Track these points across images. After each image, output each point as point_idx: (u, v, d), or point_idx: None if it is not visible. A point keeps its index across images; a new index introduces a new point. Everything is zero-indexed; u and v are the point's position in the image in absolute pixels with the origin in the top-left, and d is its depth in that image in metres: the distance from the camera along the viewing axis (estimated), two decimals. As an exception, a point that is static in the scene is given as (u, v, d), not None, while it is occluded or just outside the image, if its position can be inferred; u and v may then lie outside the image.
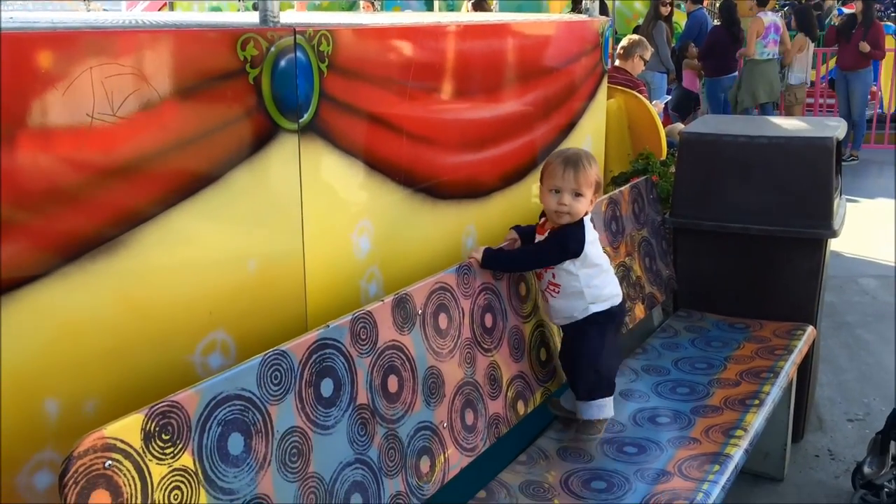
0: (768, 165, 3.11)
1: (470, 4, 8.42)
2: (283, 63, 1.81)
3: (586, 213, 2.22)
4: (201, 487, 1.39)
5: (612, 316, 2.30)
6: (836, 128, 3.24)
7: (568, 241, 2.19)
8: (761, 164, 3.12)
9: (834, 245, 5.82)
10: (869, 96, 8.99)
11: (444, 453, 1.96)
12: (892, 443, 2.70)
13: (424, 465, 1.89)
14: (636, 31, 9.18)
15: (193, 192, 1.67)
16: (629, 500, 2.06)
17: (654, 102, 5.78)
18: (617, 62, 5.94)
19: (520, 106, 2.90)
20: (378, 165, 2.17)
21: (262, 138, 1.81)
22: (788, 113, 9.19)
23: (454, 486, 2.01)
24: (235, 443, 1.47)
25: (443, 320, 2.03)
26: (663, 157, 4.59)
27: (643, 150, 4.49)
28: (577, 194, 2.19)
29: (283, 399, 1.58)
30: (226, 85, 1.72)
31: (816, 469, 3.14)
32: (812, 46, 9.11)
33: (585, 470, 2.21)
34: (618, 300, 2.32)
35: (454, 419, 2.01)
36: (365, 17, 3.27)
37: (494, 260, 2.21)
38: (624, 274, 2.99)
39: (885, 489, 2.86)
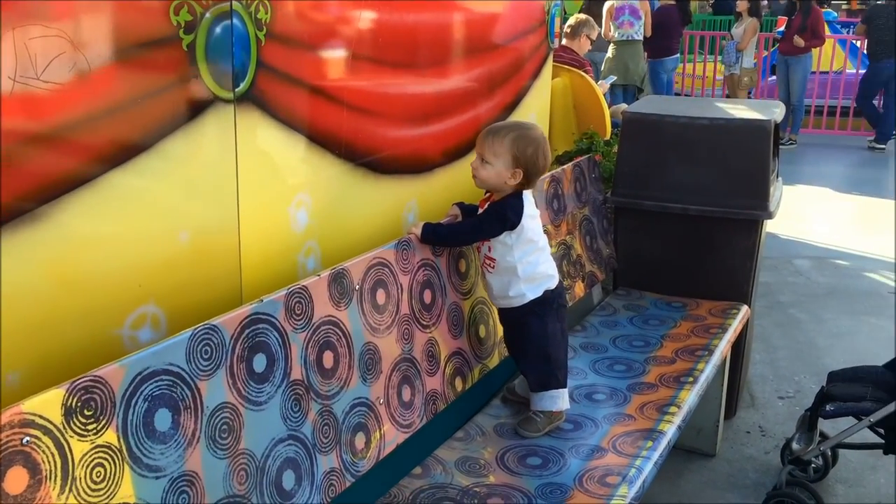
0: (708, 146, 3.15)
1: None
2: (218, 30, 1.75)
3: (518, 188, 2.20)
4: (125, 464, 1.35)
5: (549, 302, 2.27)
6: (774, 111, 3.29)
7: (506, 211, 2.17)
8: (702, 145, 3.16)
9: (770, 226, 5.97)
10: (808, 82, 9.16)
11: (380, 429, 1.95)
12: (820, 420, 2.77)
13: (360, 441, 1.88)
14: (583, 10, 9.22)
15: (123, 161, 1.61)
16: (563, 475, 2.08)
17: (599, 82, 5.82)
18: (564, 41, 5.96)
19: (464, 81, 2.88)
20: (318, 138, 2.13)
21: (197, 107, 1.76)
22: (735, 95, 9.34)
23: (390, 462, 2.00)
24: (163, 419, 1.43)
25: (381, 296, 2.01)
26: (607, 137, 4.62)
27: (588, 130, 4.51)
28: (484, 160, 2.18)
29: (214, 374, 1.54)
30: (158, 51, 1.66)
31: (747, 445, 3.22)
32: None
33: (521, 447, 2.22)
34: (553, 282, 2.29)
35: (391, 395, 2.00)
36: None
37: (434, 234, 2.20)
38: (565, 252, 3.01)
39: (812, 465, 2.95)
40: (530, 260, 2.23)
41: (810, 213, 6.55)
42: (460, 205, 2.39)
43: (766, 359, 3.94)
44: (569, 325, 3.01)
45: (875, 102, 9.11)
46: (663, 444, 2.24)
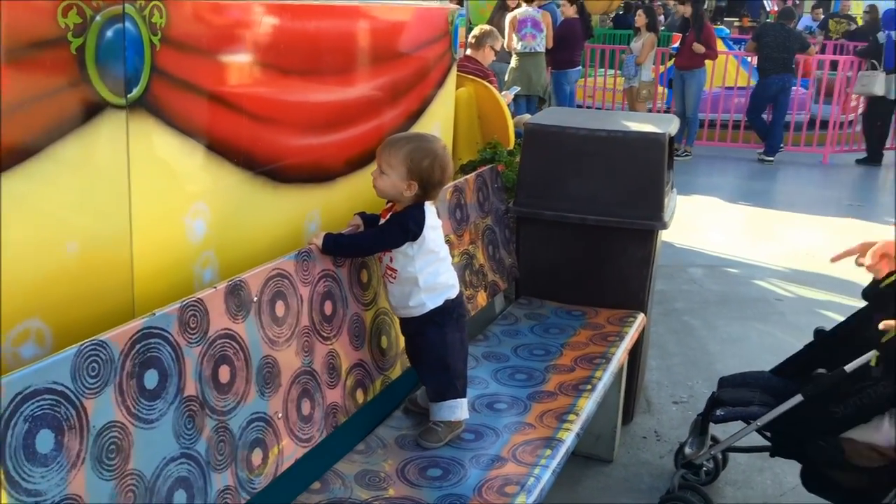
0: (606, 158, 3.23)
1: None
2: (109, 34, 1.69)
3: (417, 199, 2.21)
4: (2, 490, 1.28)
5: (449, 312, 2.27)
6: (669, 124, 3.41)
7: (408, 222, 2.18)
8: (600, 157, 3.24)
9: (666, 235, 6.16)
10: (703, 95, 9.51)
11: (279, 444, 1.91)
12: (711, 424, 2.87)
13: (256, 457, 1.84)
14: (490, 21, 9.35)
15: (5, 168, 1.54)
16: (463, 486, 2.09)
17: (503, 93, 5.89)
18: (468, 51, 6.02)
19: (368, 90, 2.87)
20: (216, 146, 2.08)
21: (87, 113, 1.69)
22: (634, 108, 9.62)
23: (289, 478, 1.97)
24: (45, 440, 1.37)
25: (280, 308, 1.98)
26: (511, 147, 4.68)
27: (491, 139, 4.56)
28: (382, 171, 2.20)
29: (101, 392, 1.48)
30: (44, 54, 1.58)
31: (643, 450, 3.31)
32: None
33: (422, 458, 2.22)
34: (454, 292, 2.31)
35: (290, 409, 1.97)
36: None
37: (335, 245, 2.18)
38: (467, 262, 3.03)
39: (704, 468, 3.06)
40: (431, 270, 2.24)
41: (704, 222, 6.81)
42: (362, 215, 2.38)
43: (662, 365, 4.07)
44: (471, 334, 3.04)
45: (764, 116, 9.53)
46: (562, 451, 2.28)
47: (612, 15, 16.71)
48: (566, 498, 2.95)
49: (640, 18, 9.46)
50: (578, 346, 2.99)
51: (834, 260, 2.48)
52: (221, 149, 2.10)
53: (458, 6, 3.64)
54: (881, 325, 2.11)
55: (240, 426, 1.80)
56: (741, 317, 4.73)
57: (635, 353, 3.31)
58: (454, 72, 3.61)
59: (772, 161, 9.40)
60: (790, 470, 2.82)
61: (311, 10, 2.46)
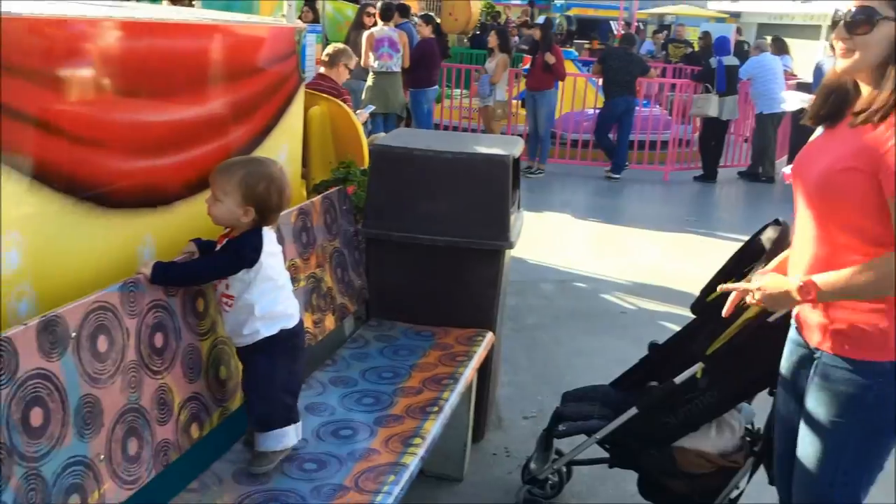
0: (453, 179, 3.26)
1: (167, -1, 8.02)
2: None
3: (255, 225, 2.15)
4: None
5: (282, 341, 2.21)
6: (514, 146, 3.48)
7: (244, 248, 2.12)
8: (447, 178, 3.27)
9: (519, 252, 6.29)
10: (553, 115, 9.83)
11: (100, 489, 1.80)
12: (556, 439, 2.95)
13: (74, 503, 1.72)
14: (347, 39, 9.34)
15: None
16: (304, 519, 2.04)
17: (358, 111, 5.88)
18: (322, 70, 5.97)
19: (208, 110, 2.77)
20: (33, 170, 1.95)
21: None
22: (489, 127, 9.83)
23: (115, 522, 1.85)
24: None
25: (102, 343, 1.87)
26: (365, 166, 4.67)
27: (345, 159, 4.53)
28: (216, 197, 2.15)
29: None
30: None
31: (494, 467, 3.35)
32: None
33: (261, 492, 2.15)
34: (291, 322, 2.25)
35: (114, 450, 1.86)
36: (28, 5, 2.93)
37: (164, 274, 2.08)
38: (315, 285, 2.98)
39: (549, 482, 3.13)
40: (269, 299, 2.18)
41: (555, 238, 7.02)
42: (197, 241, 2.29)
43: (514, 380, 4.15)
44: (319, 359, 3.00)
45: (611, 136, 9.96)
46: (405, 477, 2.26)
47: (469, 35, 17.09)
48: (417, 520, 2.94)
49: (493, 39, 9.68)
50: (427, 367, 2.99)
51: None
52: (39, 173, 1.97)
53: (307, 24, 3.59)
54: (724, 313, 2.22)
55: (54, 472, 1.67)
56: (589, 330, 4.89)
57: (485, 372, 3.35)
58: (302, 91, 3.55)
59: (618, 178, 9.83)
60: (631, 479, 2.93)
61: (141, 27, 2.35)
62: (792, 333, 2.19)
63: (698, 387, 2.60)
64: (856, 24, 1.87)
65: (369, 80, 8.88)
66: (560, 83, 9.82)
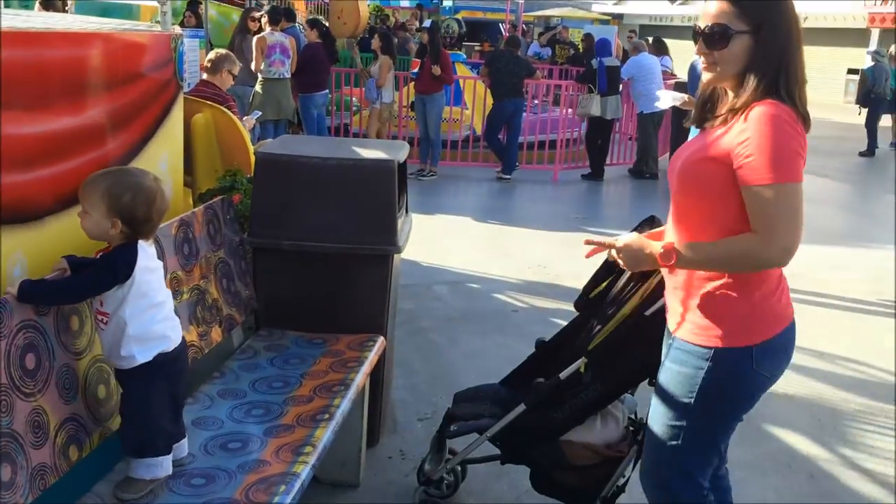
0: (339, 186, 3.26)
1: (38, 3, 7.70)
2: None
3: (128, 238, 2.11)
4: None
5: (159, 367, 2.13)
6: (399, 150, 3.51)
7: (115, 262, 2.06)
8: (333, 185, 3.26)
9: (412, 255, 6.32)
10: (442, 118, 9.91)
11: (-29, 519, 1.72)
12: (448, 439, 2.99)
13: (-58, 538, 1.64)
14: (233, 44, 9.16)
15: None
16: (191, 536, 2.00)
17: (244, 118, 5.79)
18: (205, 76, 5.85)
19: (80, 121, 2.67)
20: None
21: None
22: (380, 131, 9.84)
23: (-12, 554, 1.78)
24: None
25: (-33, 367, 1.79)
26: (251, 174, 4.60)
27: (231, 167, 4.45)
28: (85, 210, 2.11)
29: None
30: None
31: (389, 470, 3.37)
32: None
33: (147, 511, 2.10)
34: (169, 345, 2.17)
35: (-15, 478, 1.78)
36: None
37: (31, 292, 2.01)
38: (199, 297, 2.93)
39: (445, 481, 3.17)
40: (145, 318, 2.11)
41: (448, 240, 7.09)
42: (70, 258, 2.21)
43: (407, 384, 4.17)
44: (207, 372, 2.95)
45: (500, 137, 10.13)
46: (296, 486, 2.25)
47: (358, 39, 17.03)
48: (313, 529, 2.93)
49: (376, 42, 9.71)
50: (318, 374, 2.98)
51: (588, 256, 2.52)
52: None
53: (190, 29, 3.51)
54: (584, 255, 2.40)
55: (-83, 506, 1.60)
56: (482, 331, 4.97)
57: (377, 376, 3.37)
58: (181, 99, 3.47)
59: (509, 179, 10.01)
60: (525, 474, 2.99)
61: (8, 36, 2.25)
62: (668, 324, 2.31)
63: (582, 381, 2.69)
64: (713, 41, 2.00)
65: (259, 86, 8.76)
66: (450, 87, 9.93)
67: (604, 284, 2.84)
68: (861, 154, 14.01)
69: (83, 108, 2.67)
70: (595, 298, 2.85)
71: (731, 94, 2.07)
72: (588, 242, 2.35)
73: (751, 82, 1.98)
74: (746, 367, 2.06)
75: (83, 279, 2.09)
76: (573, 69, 13.65)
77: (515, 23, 19.64)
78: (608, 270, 2.84)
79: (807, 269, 6.70)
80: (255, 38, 8.82)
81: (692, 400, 2.11)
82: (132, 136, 3.02)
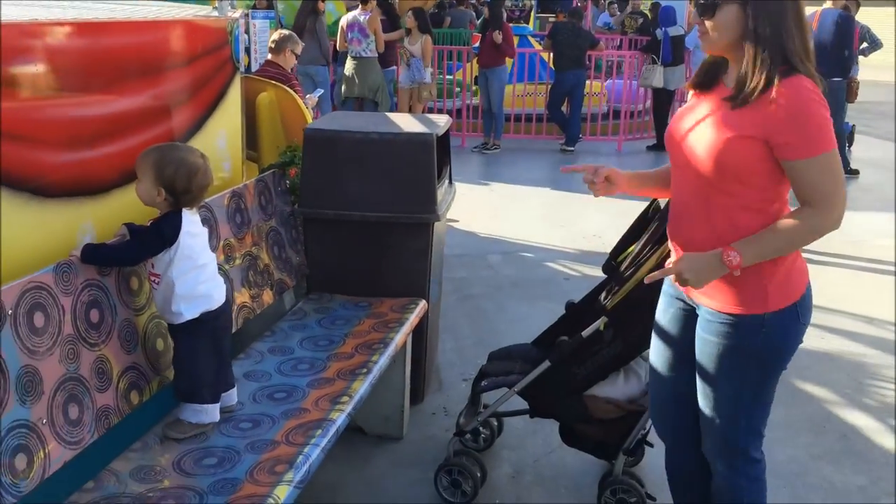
0: (380, 159, 3.46)
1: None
2: None
3: (173, 207, 2.35)
4: None
5: (203, 323, 2.38)
6: (437, 125, 3.69)
7: (162, 228, 2.31)
8: (374, 158, 3.47)
9: (469, 226, 6.52)
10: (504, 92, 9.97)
11: (44, 449, 2.00)
12: (481, 394, 3.18)
13: (20, 462, 1.92)
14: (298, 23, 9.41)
15: None
16: (236, 471, 2.25)
17: (307, 96, 6.04)
18: (269, 56, 6.12)
19: (140, 102, 2.94)
20: (-33, 165, 2.12)
21: None
22: (414, 108, 9.72)
23: (60, 478, 2.06)
24: None
25: (39, 319, 2.06)
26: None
27: (293, 143, 4.71)
28: (139, 179, 2.37)
29: None
30: None
31: (432, 426, 3.59)
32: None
33: (200, 449, 2.36)
34: (212, 304, 2.41)
35: (55, 415, 2.06)
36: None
37: (93, 255, 2.28)
38: (251, 263, 3.18)
39: (482, 435, 3.37)
40: (189, 278, 2.35)
41: (506, 212, 7.25)
42: (130, 225, 2.47)
43: (455, 347, 4.38)
44: (259, 332, 3.21)
45: (564, 109, 10.18)
46: (332, 431, 2.48)
47: (428, 14, 17.16)
48: (356, 477, 3.18)
49: (410, 20, 9.34)
50: (361, 334, 3.21)
51: (563, 170, 2.65)
52: (-26, 169, 2.14)
53: (234, 16, 3.74)
54: (645, 280, 2.36)
55: (-1, 434, 1.88)
56: (530, 297, 5.13)
57: (420, 338, 3.58)
58: (237, 80, 3.72)
59: (572, 151, 10.06)
60: (557, 432, 3.16)
61: (71, 27, 2.52)
62: (668, 287, 2.42)
63: (604, 339, 2.84)
64: (703, 9, 2.09)
65: (346, 65, 8.98)
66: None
67: (630, 249, 2.97)
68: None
69: (145, 90, 2.93)
70: (621, 262, 2.98)
71: (732, 65, 2.14)
72: (651, 279, 2.30)
73: (750, 53, 2.02)
74: (795, 323, 2.18)
75: (134, 244, 2.36)
76: (642, 39, 13.50)
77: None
78: (634, 234, 2.97)
79: (869, 236, 6.62)
80: (342, 20, 8.99)
81: (749, 366, 2.20)
82: (191, 114, 3.28)
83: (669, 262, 2.27)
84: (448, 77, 10.99)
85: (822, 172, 2.01)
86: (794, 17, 2.05)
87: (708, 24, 2.09)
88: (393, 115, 4.11)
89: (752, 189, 2.09)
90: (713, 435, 2.36)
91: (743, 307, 2.16)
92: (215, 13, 3.81)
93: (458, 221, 6.68)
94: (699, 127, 2.18)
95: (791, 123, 1.99)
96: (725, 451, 2.36)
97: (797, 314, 2.17)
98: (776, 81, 2.00)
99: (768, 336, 2.17)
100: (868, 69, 10.29)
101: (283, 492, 2.15)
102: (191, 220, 2.38)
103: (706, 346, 2.26)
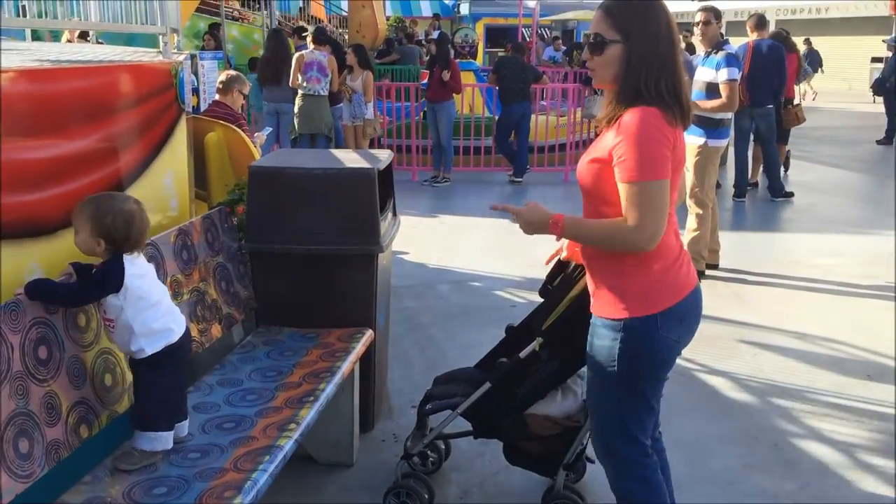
0: (323, 193, 3.58)
1: (66, 34, 8.21)
2: None
3: (113, 254, 2.43)
4: None
5: (167, 356, 2.47)
6: (379, 160, 3.82)
7: (105, 278, 2.39)
8: (318, 192, 3.59)
9: (419, 258, 6.63)
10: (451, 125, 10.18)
11: (-6, 482, 2.06)
12: (427, 417, 3.28)
13: (-29, 495, 1.98)
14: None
15: None
16: (185, 497, 2.32)
17: (255, 135, 6.15)
18: (217, 96, 6.23)
19: (85, 145, 3.02)
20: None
21: None
22: (359, 144, 9.81)
23: (12, 512, 2.12)
24: None
25: (-12, 356, 2.13)
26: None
27: (240, 181, 4.81)
28: (76, 231, 2.45)
29: None
30: None
31: (382, 452, 3.67)
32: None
33: (150, 479, 2.43)
34: (173, 336, 2.50)
35: (6, 449, 2.12)
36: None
37: (36, 291, 2.35)
38: (198, 298, 3.26)
39: (430, 458, 3.47)
40: (145, 317, 2.44)
41: (456, 243, 7.40)
42: (75, 265, 2.54)
43: (405, 374, 4.48)
44: (208, 364, 3.28)
45: (511, 142, 10.41)
46: (279, 456, 2.56)
47: (377, 51, 17.44)
48: (310, 503, 3.24)
49: (351, 57, 9.44)
50: (308, 364, 3.30)
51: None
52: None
53: (179, 59, 3.85)
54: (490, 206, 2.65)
55: (-51, 468, 1.94)
56: (479, 324, 5.26)
57: (368, 366, 3.68)
58: (183, 121, 3.82)
59: (521, 182, 10.28)
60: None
61: (19, 74, 2.61)
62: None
63: (541, 359, 2.97)
64: (592, 48, 2.29)
65: (297, 102, 9.10)
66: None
67: (563, 273, 3.12)
68: (878, 142, 14.03)
69: (92, 133, 3.02)
70: (555, 286, 3.13)
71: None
72: (494, 208, 2.66)
73: (620, 87, 2.27)
74: (654, 333, 2.34)
75: (79, 289, 2.43)
76: (586, 72, 13.87)
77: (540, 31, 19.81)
78: (566, 262, 3.12)
79: (804, 255, 6.90)
80: (296, 56, 9.14)
81: (615, 368, 2.38)
82: (138, 155, 3.37)
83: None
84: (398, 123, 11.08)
85: (636, 197, 2.22)
86: (668, 51, 2.27)
87: (596, 60, 2.29)
88: (336, 151, 4.25)
89: (613, 207, 2.30)
90: (594, 434, 2.60)
91: (608, 311, 2.39)
92: (160, 56, 3.93)
93: (408, 253, 6.81)
94: (585, 154, 2.45)
95: (619, 148, 2.23)
96: (606, 452, 2.55)
97: (657, 324, 2.35)
98: (625, 109, 2.24)
99: (626, 340, 2.36)
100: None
101: (231, 515, 2.23)
102: (133, 263, 2.45)
103: (588, 347, 2.50)
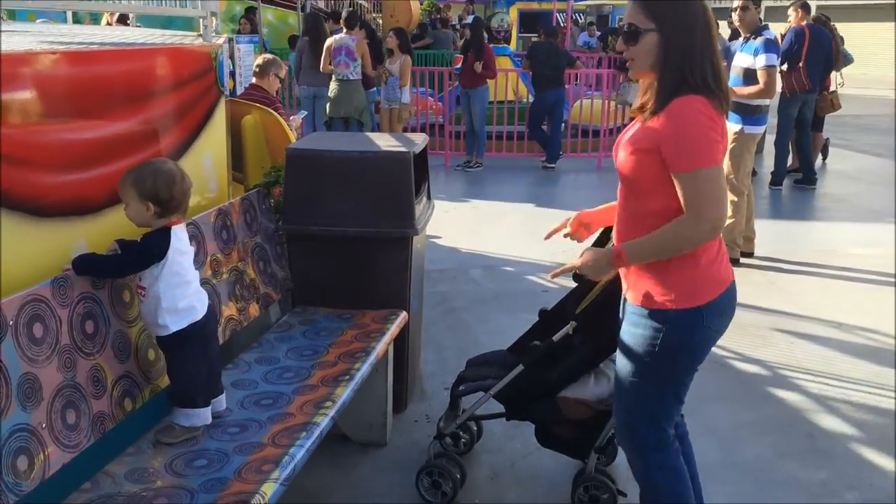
0: (359, 176, 3.62)
1: (107, 16, 8.32)
2: None
3: (166, 223, 2.49)
4: None
5: (191, 335, 2.51)
6: (415, 144, 3.85)
7: (151, 245, 2.45)
8: (354, 176, 3.62)
9: (452, 242, 6.66)
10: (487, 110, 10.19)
11: (44, 451, 2.13)
12: (459, 399, 3.32)
13: (22, 464, 2.05)
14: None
15: None
16: (225, 471, 2.38)
17: (291, 117, 6.21)
18: (254, 80, 6.29)
19: (128, 127, 3.09)
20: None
21: None
22: (394, 128, 9.79)
23: (59, 480, 2.19)
24: None
25: (38, 329, 2.20)
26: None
27: (277, 163, 4.87)
28: (125, 203, 2.50)
29: None
30: None
31: (415, 432, 3.72)
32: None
33: (190, 452, 2.49)
34: (198, 315, 2.54)
35: (54, 419, 2.19)
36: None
37: (82, 265, 2.41)
38: (237, 277, 3.32)
39: (462, 439, 3.51)
40: (174, 293, 2.49)
41: (488, 228, 7.42)
42: (120, 241, 2.60)
43: (437, 357, 4.52)
44: (246, 343, 3.34)
45: (544, 128, 10.38)
46: (316, 433, 2.62)
47: (410, 36, 17.44)
48: (342, 482, 3.31)
49: (392, 40, 9.53)
50: (344, 344, 3.35)
51: (546, 238, 2.94)
52: (-25, 191, 2.28)
53: (220, 43, 3.89)
54: (550, 276, 2.62)
55: (2, 437, 2.00)
56: (511, 309, 5.28)
57: (401, 348, 3.72)
58: (222, 104, 3.88)
59: (553, 168, 10.25)
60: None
61: (65, 56, 2.67)
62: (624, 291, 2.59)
63: (574, 343, 2.99)
64: (627, 38, 2.29)
65: (331, 86, 9.15)
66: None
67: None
68: (919, 130, 13.77)
69: (134, 115, 3.08)
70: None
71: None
72: (554, 276, 2.67)
73: (661, 76, 2.25)
74: (698, 325, 2.34)
75: (122, 258, 2.49)
76: (620, 57, 13.76)
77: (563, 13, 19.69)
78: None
79: (841, 245, 6.82)
80: (326, 42, 9.20)
81: (652, 357, 2.38)
82: (179, 137, 3.43)
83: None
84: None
85: (691, 186, 2.20)
86: (706, 40, 2.26)
87: (632, 50, 2.29)
88: (372, 135, 4.27)
89: (657, 197, 2.29)
90: (619, 418, 2.59)
91: (651, 301, 2.37)
92: (200, 39, 3.98)
93: (441, 238, 6.84)
94: (622, 142, 2.42)
95: (670, 139, 2.21)
96: (629, 437, 2.55)
97: (702, 317, 2.34)
98: (670, 101, 2.22)
99: (669, 331, 2.36)
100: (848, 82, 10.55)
101: (269, 489, 2.28)
102: (180, 238, 2.51)
103: (623, 335, 2.49)
